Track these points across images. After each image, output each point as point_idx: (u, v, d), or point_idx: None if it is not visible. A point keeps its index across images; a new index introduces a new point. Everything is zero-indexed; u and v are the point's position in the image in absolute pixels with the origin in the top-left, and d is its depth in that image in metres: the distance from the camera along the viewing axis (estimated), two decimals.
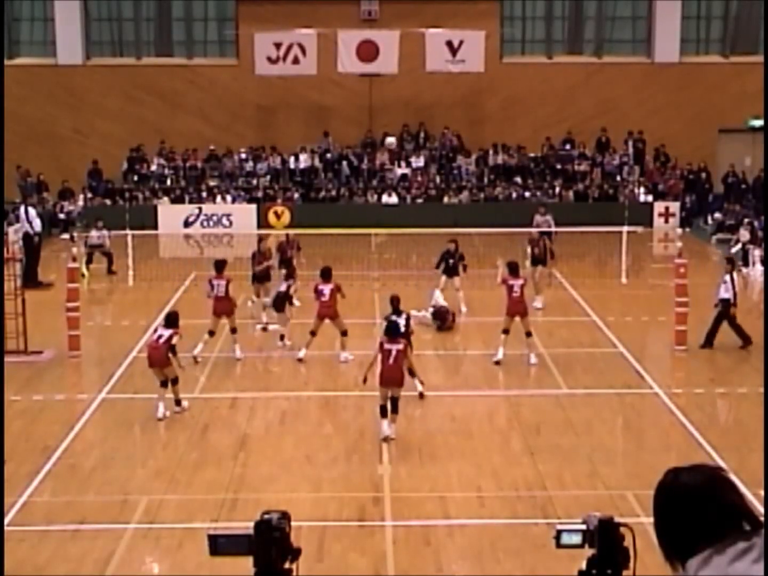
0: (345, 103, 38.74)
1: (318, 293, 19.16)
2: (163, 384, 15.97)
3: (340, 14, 37.75)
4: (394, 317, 16.70)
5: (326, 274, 19.34)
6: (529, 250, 24.16)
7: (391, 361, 14.90)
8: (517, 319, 18.89)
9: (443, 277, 23.12)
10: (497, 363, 18.80)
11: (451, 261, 23.13)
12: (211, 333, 19.38)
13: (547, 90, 38.66)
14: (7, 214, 30.12)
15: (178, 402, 16.16)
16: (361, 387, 17.86)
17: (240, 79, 38.60)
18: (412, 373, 16.25)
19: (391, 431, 14.90)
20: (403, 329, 16.37)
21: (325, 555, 11.43)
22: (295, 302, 23.52)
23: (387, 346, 14.98)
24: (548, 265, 24.35)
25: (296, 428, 15.86)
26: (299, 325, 22.35)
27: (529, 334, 18.92)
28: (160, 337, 16.04)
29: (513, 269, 19.19)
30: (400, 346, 14.97)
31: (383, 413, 14.93)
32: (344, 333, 19.18)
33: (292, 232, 25.29)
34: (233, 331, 19.47)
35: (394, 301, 17.27)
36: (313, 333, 19.14)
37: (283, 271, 23.72)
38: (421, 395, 16.75)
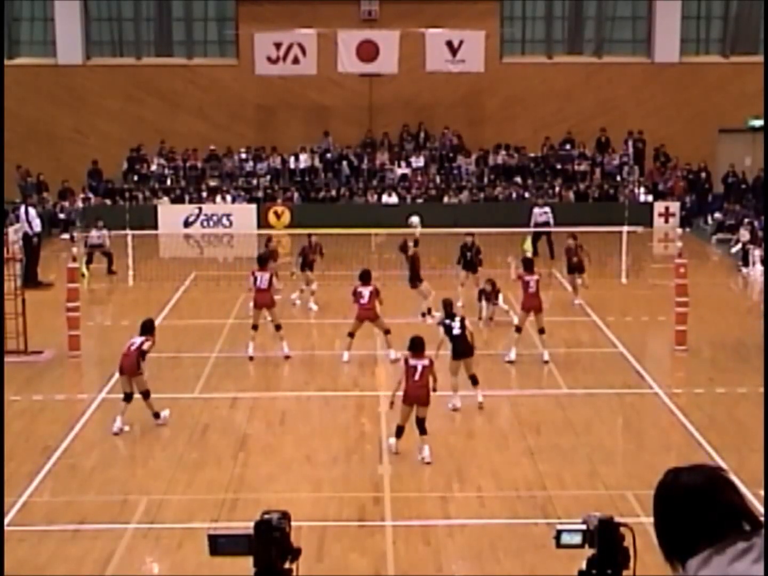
0: (345, 103, 38.75)
1: (357, 296, 19.12)
2: (127, 398, 15.46)
3: (340, 14, 37.75)
4: (447, 321, 16.24)
5: (365, 277, 19.28)
6: (565, 259, 24.11)
7: (416, 377, 14.07)
8: (531, 316, 19.06)
9: (462, 273, 23.22)
10: (510, 362, 18.92)
11: (468, 254, 23.25)
12: (255, 327, 19.30)
13: (547, 90, 38.66)
14: (7, 214, 30.11)
15: (156, 415, 15.60)
16: (362, 387, 17.93)
17: (240, 79, 38.61)
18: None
19: (426, 454, 14.10)
20: (458, 331, 16.03)
21: (325, 555, 11.43)
22: (313, 306, 23.36)
23: (412, 362, 14.18)
24: (585, 273, 23.88)
25: (296, 428, 15.85)
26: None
27: (542, 331, 19.06)
28: (132, 344, 15.66)
29: (528, 265, 19.42)
30: (426, 362, 14.22)
31: (399, 434, 14.29)
32: (387, 332, 19.08)
33: (314, 233, 24.65)
34: (277, 328, 19.30)
35: (448, 306, 16.58)
36: (351, 334, 19.09)
37: (308, 273, 23.55)
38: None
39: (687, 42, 39.54)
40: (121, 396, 15.63)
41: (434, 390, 14.52)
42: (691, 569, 3.18)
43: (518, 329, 19.14)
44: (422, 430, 14.17)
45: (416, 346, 14.36)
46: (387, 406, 15.13)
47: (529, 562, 11.29)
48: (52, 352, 19.77)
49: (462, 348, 16.14)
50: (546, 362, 18.94)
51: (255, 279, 19.26)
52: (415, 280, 21.87)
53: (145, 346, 15.60)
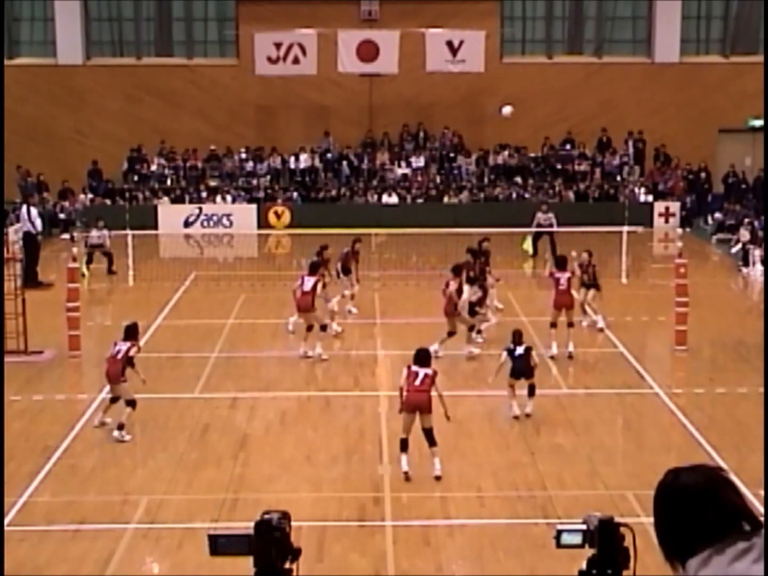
0: (345, 103, 38.75)
1: (445, 286, 19.45)
2: (113, 400, 15.47)
3: (340, 14, 37.75)
4: (512, 346, 15.93)
5: (455, 271, 19.64)
6: (579, 273, 23.63)
7: (417, 383, 13.56)
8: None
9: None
10: (552, 358, 19.07)
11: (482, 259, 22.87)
12: (308, 328, 19.29)
13: (547, 90, 38.66)
14: (7, 214, 30.10)
15: (121, 426, 15.08)
16: (362, 387, 17.93)
17: (240, 79, 38.61)
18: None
19: (437, 467, 13.57)
20: (521, 352, 15.76)
21: (325, 555, 11.43)
22: (353, 310, 22.85)
23: (414, 368, 13.74)
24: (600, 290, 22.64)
25: (296, 428, 15.85)
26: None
27: (571, 325, 19.43)
28: (118, 351, 15.44)
29: (560, 263, 19.82)
30: (429, 371, 13.68)
31: (403, 447, 13.58)
32: (451, 334, 19.04)
33: (358, 243, 23.62)
34: (309, 329, 19.25)
35: (517, 336, 16.12)
36: (450, 334, 19.19)
37: (345, 278, 22.86)
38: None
39: (687, 42, 39.53)
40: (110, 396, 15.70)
41: (447, 418, 13.84)
42: (691, 569, 3.18)
43: (553, 325, 19.41)
44: (431, 441, 13.61)
45: (421, 359, 13.92)
46: (387, 406, 15.10)
47: (529, 562, 11.29)
48: (52, 352, 19.76)
49: (521, 368, 15.83)
50: (570, 356, 19.22)
51: (302, 281, 19.24)
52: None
53: (132, 353, 15.50)
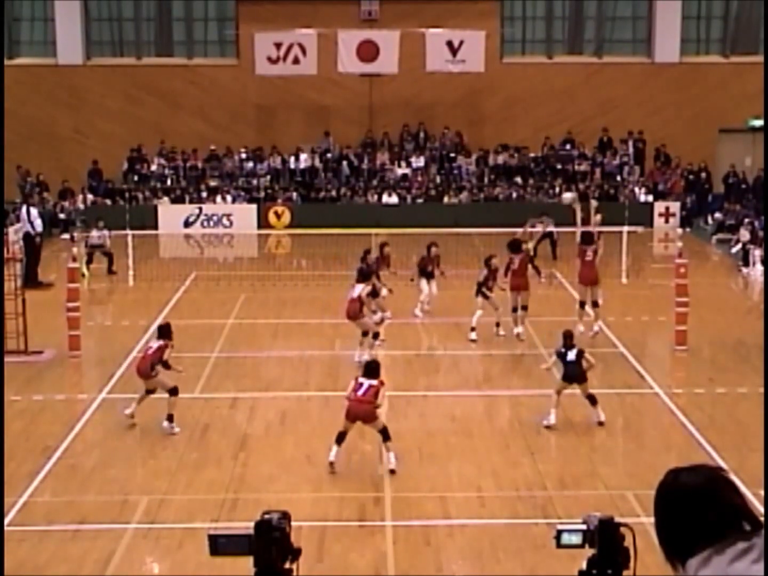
0: (345, 103, 38.75)
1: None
2: (148, 392, 15.61)
3: (340, 14, 37.76)
4: (563, 350, 15.76)
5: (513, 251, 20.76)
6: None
7: (360, 392, 13.68)
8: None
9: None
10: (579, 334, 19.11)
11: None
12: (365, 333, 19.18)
13: (547, 90, 38.67)
14: (8, 214, 30.09)
15: (170, 417, 15.42)
16: None
17: (240, 79, 38.62)
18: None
19: (391, 462, 13.77)
20: (572, 358, 15.52)
21: (325, 555, 11.43)
22: (387, 314, 22.66)
23: (361, 379, 13.86)
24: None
25: (296, 428, 15.85)
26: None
27: (596, 304, 19.94)
28: (149, 348, 15.71)
29: (586, 238, 20.61)
30: (374, 382, 13.74)
31: (339, 440, 13.84)
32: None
33: (386, 246, 23.23)
34: (364, 334, 19.05)
35: (567, 338, 15.93)
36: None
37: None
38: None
39: (687, 42, 39.54)
40: (126, 395, 15.81)
41: (375, 407, 13.80)
42: (691, 569, 3.18)
43: (581, 304, 19.87)
44: (385, 437, 13.76)
45: (369, 371, 13.99)
46: (387, 406, 15.08)
47: (529, 562, 11.29)
48: (52, 352, 19.76)
49: (573, 373, 15.60)
50: (595, 333, 20.01)
51: (352, 289, 19.20)
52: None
53: (165, 355, 15.44)
